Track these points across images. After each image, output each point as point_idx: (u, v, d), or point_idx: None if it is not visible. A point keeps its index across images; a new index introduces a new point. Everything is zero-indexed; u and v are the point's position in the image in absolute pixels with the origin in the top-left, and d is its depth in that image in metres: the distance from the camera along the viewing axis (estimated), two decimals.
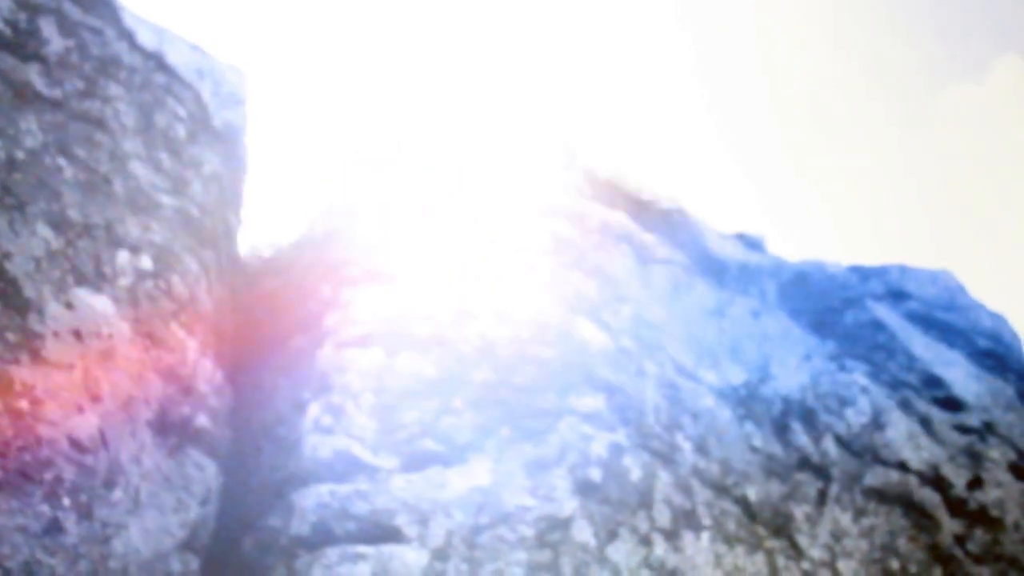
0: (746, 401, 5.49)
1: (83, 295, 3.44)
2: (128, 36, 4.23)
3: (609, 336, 5.19)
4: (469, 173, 5.79)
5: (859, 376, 5.89)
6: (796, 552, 4.88)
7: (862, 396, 5.77)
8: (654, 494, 4.53)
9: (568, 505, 4.22)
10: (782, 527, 4.93)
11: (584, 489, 4.32)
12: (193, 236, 4.17)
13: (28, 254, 3.30)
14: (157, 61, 4.35)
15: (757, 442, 5.26)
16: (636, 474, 4.54)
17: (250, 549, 3.83)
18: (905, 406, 5.84)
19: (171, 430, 3.71)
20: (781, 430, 5.43)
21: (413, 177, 5.59)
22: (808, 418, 5.56)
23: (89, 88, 3.90)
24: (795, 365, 5.93)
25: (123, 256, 3.71)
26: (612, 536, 4.25)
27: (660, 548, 4.37)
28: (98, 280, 3.54)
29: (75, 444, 3.19)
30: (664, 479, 4.63)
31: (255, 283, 4.96)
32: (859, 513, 5.22)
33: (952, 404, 6.02)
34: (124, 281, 3.66)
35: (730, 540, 4.67)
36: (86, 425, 3.24)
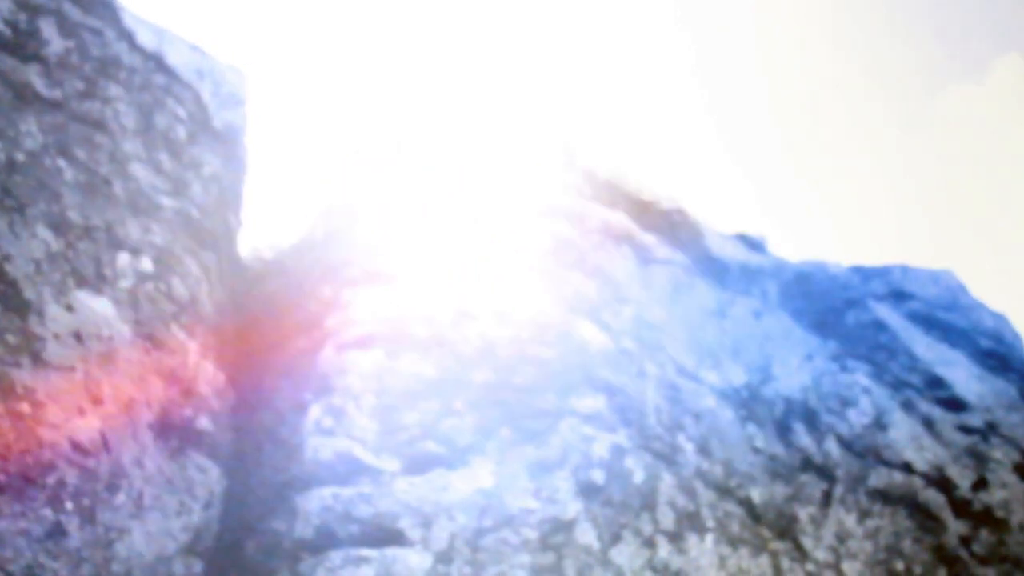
0: (748, 402, 5.48)
1: (84, 297, 3.42)
2: (128, 37, 4.21)
3: (610, 337, 5.17)
4: (469, 173, 5.78)
5: (861, 377, 5.88)
6: (800, 554, 4.86)
7: (864, 397, 5.76)
8: (657, 496, 4.52)
9: (571, 507, 4.20)
10: (786, 529, 4.91)
11: (587, 491, 4.30)
12: (193, 238, 4.15)
13: (28, 256, 3.28)
14: (157, 62, 4.33)
15: (759, 443, 5.24)
16: (639, 476, 4.53)
17: (253, 552, 3.81)
18: (907, 407, 5.83)
19: (173, 433, 3.68)
20: (783, 431, 5.42)
21: (413, 177, 5.57)
22: (810, 419, 5.55)
23: (89, 89, 3.88)
24: (797, 365, 5.92)
25: (123, 258, 3.69)
26: (616, 538, 4.23)
27: (664, 550, 4.36)
28: (98, 282, 3.51)
29: (77, 447, 3.17)
30: (667, 481, 4.62)
31: (256, 285, 4.94)
32: (863, 514, 5.20)
33: (955, 404, 6.02)
34: (125, 283, 3.64)
35: (734, 542, 4.66)
36: (88, 428, 3.22)
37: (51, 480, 3.05)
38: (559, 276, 5.33)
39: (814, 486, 5.19)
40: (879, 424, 5.66)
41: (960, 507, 5.49)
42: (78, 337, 3.32)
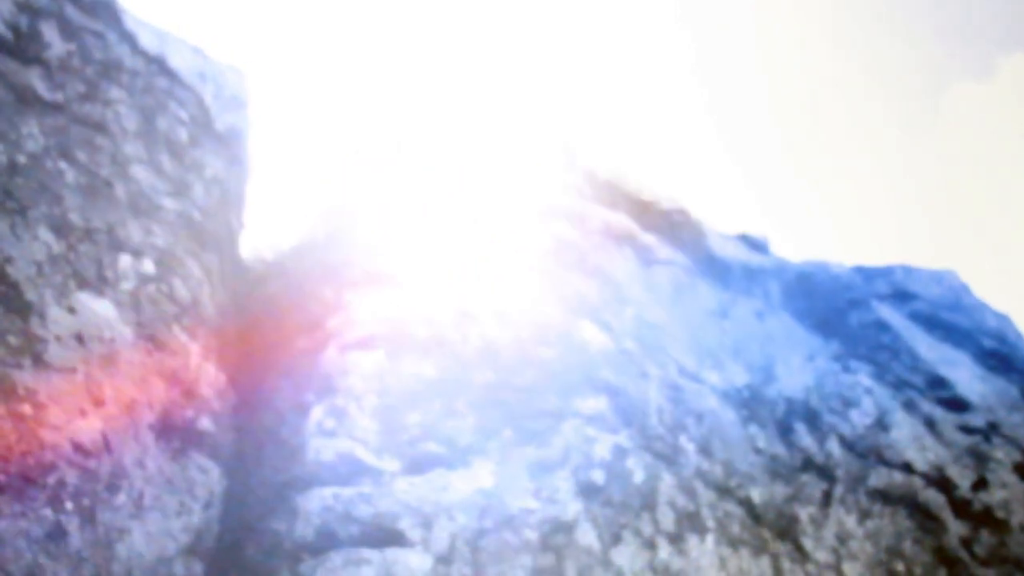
0: (749, 402, 5.48)
1: (85, 299, 3.43)
2: (130, 39, 4.23)
3: (611, 337, 5.18)
4: (469, 174, 5.79)
5: (863, 377, 5.88)
6: (801, 555, 4.86)
7: (866, 397, 5.76)
8: (658, 496, 4.52)
9: (572, 508, 4.21)
10: (787, 529, 4.91)
11: (587, 491, 4.31)
12: (195, 239, 4.16)
13: (30, 258, 3.29)
14: (159, 64, 4.34)
15: (761, 444, 5.24)
16: (639, 476, 4.53)
17: (254, 553, 3.82)
18: (910, 407, 5.82)
19: (174, 434, 3.69)
20: (785, 431, 5.41)
21: (413, 177, 5.58)
22: (812, 419, 5.55)
23: (91, 92, 3.89)
24: (799, 366, 5.92)
25: (125, 260, 3.70)
26: (616, 539, 4.24)
27: (664, 551, 4.36)
28: (100, 284, 3.53)
29: (78, 448, 3.18)
30: (668, 481, 4.62)
31: (258, 286, 4.95)
32: (864, 515, 5.20)
33: (957, 404, 6.01)
34: (126, 285, 3.65)
35: (734, 543, 4.66)
36: (89, 429, 3.24)
37: (52, 481, 3.06)
38: (560, 277, 5.33)
39: (814, 487, 5.19)
40: (881, 424, 5.66)
41: (961, 508, 5.49)
42: (80, 339, 3.34)
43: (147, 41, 4.33)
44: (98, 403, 3.31)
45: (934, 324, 6.60)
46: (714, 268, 6.50)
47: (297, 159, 6.05)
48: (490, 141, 6.33)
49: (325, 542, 3.75)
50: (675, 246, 6.46)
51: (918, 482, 5.49)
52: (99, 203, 3.70)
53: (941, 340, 6.46)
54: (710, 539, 4.56)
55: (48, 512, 3.03)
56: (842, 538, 5.04)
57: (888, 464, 5.49)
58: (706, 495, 4.74)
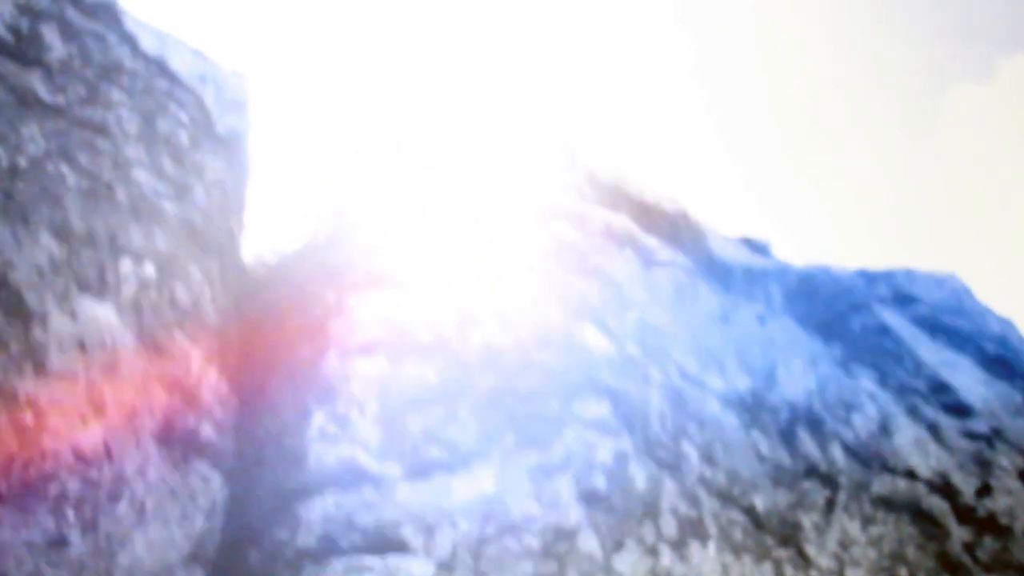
0: (752, 408, 5.46)
1: (86, 305, 3.41)
2: (130, 41, 4.20)
3: (613, 341, 5.16)
4: (470, 174, 5.76)
5: (866, 381, 5.87)
6: (804, 561, 4.85)
7: (869, 402, 5.74)
8: (660, 503, 4.51)
9: (574, 514, 4.19)
10: (790, 536, 4.90)
11: (589, 497, 4.29)
12: (196, 243, 4.14)
13: (31, 263, 3.27)
14: (159, 66, 4.31)
15: (764, 450, 5.23)
16: (642, 483, 4.52)
17: (256, 561, 3.80)
18: (913, 412, 5.81)
19: (176, 441, 3.67)
20: (788, 437, 5.40)
21: (414, 179, 5.55)
22: (815, 425, 5.53)
23: (91, 94, 3.86)
24: (801, 370, 5.90)
25: (126, 264, 3.67)
26: (618, 546, 4.22)
27: (667, 558, 4.34)
28: (101, 289, 3.50)
29: (79, 456, 3.16)
30: (670, 488, 4.60)
31: (259, 290, 4.93)
32: (867, 521, 5.19)
33: (960, 410, 6.00)
34: (127, 290, 3.63)
35: (737, 550, 4.64)
36: (91, 437, 3.21)
37: (53, 489, 3.04)
38: (561, 279, 5.31)
39: (817, 493, 5.17)
40: (884, 430, 5.64)
41: (964, 514, 5.48)
42: (81, 345, 3.31)
43: (147, 43, 4.30)
44: (99, 410, 3.28)
45: (937, 328, 6.58)
46: (716, 271, 6.48)
47: (298, 161, 6.02)
48: (491, 142, 6.30)
49: (327, 549, 3.73)
50: (676, 248, 6.45)
51: (921, 488, 5.48)
52: (100, 207, 3.67)
53: (944, 345, 6.44)
54: (712, 546, 4.55)
55: (50, 521, 3.00)
56: (845, 544, 5.03)
57: (891, 470, 5.48)
58: (709, 502, 4.72)
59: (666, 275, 6.15)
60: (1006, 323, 6.83)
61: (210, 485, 3.80)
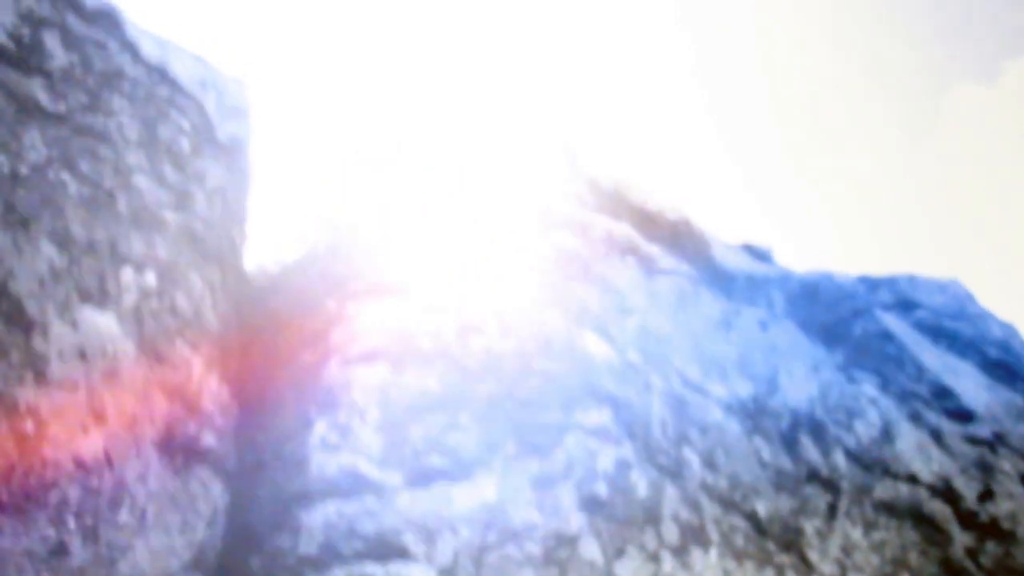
0: (754, 414, 5.45)
1: (87, 314, 3.41)
2: (131, 49, 4.20)
3: (614, 349, 5.15)
4: (471, 183, 5.76)
5: (868, 387, 5.85)
6: (806, 567, 4.83)
7: (871, 408, 5.73)
8: (662, 510, 4.49)
9: (575, 521, 4.18)
10: (792, 542, 4.89)
11: (591, 505, 4.28)
12: (197, 252, 4.14)
13: (32, 272, 3.27)
14: (160, 73, 4.32)
15: (766, 456, 5.22)
16: (643, 490, 4.50)
17: (258, 568, 3.79)
18: (915, 417, 5.80)
19: (177, 449, 3.67)
20: (790, 443, 5.39)
21: (415, 187, 5.55)
22: (817, 431, 5.52)
23: (93, 102, 3.87)
24: (803, 376, 5.89)
25: (127, 273, 3.67)
26: (619, 553, 4.21)
27: (668, 565, 4.33)
28: (102, 298, 3.50)
29: (80, 465, 3.15)
30: (672, 494, 4.59)
31: (260, 298, 4.93)
32: (869, 527, 5.17)
33: (962, 415, 5.98)
34: (128, 299, 3.62)
35: (739, 556, 4.63)
36: (91, 446, 3.21)
37: (54, 498, 3.03)
38: (563, 287, 5.31)
39: (819, 498, 5.16)
40: (886, 435, 5.63)
41: (966, 519, 5.46)
42: (82, 354, 3.31)
43: (148, 50, 4.30)
44: (100, 419, 3.28)
45: (939, 334, 6.57)
46: (718, 278, 6.47)
47: (299, 167, 6.03)
48: (492, 149, 6.30)
49: (328, 557, 3.72)
50: (678, 256, 6.44)
51: (924, 493, 5.46)
52: (101, 215, 3.67)
53: (946, 350, 6.43)
54: (714, 552, 4.53)
55: (50, 529, 3.00)
56: (847, 550, 5.02)
57: (893, 476, 5.47)
58: (711, 508, 4.71)
59: (668, 282, 6.14)
60: (1008, 328, 6.81)
61: (211, 492, 3.79)
